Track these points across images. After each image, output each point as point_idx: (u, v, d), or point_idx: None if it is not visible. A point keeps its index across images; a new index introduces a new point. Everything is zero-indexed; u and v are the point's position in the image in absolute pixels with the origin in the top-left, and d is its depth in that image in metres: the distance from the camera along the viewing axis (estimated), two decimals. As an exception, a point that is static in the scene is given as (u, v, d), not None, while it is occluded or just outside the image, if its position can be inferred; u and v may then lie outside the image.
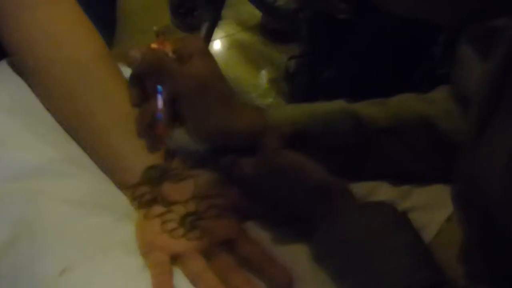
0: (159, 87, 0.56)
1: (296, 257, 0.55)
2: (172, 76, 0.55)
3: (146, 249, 0.54)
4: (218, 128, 0.58)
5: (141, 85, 0.57)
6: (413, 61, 1.24)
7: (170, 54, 0.56)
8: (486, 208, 0.44)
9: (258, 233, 0.56)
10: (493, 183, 0.42)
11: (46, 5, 0.63)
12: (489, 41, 0.50)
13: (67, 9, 0.65)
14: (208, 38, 1.88)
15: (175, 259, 0.53)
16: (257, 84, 1.88)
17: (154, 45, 0.56)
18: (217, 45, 2.04)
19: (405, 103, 0.64)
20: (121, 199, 0.59)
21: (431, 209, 0.61)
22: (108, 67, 0.63)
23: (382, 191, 0.62)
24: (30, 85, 0.65)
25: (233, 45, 2.06)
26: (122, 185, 0.60)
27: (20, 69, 0.65)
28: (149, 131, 0.57)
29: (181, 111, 0.57)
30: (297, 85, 1.69)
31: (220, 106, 0.57)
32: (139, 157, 0.59)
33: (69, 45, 0.63)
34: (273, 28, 1.99)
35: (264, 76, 1.89)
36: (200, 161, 0.63)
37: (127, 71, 0.61)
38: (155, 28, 0.57)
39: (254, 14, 2.03)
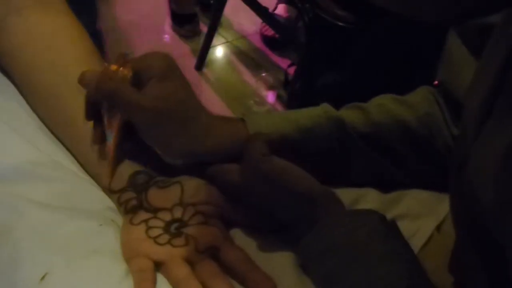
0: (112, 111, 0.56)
1: (281, 264, 0.54)
2: (126, 106, 0.54)
3: (130, 255, 0.53)
4: (184, 152, 0.57)
5: (96, 102, 0.57)
6: (411, 67, 1.23)
7: (129, 77, 0.54)
8: (478, 213, 0.43)
9: (243, 240, 0.56)
10: (486, 185, 0.41)
11: (34, 8, 0.63)
12: (482, 39, 0.49)
13: (55, 12, 0.64)
14: (207, 45, 1.89)
15: (159, 265, 0.53)
16: (256, 91, 1.88)
17: (113, 67, 0.54)
18: (216, 51, 2.05)
19: (385, 108, 0.63)
20: (107, 204, 0.59)
21: (421, 217, 0.60)
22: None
23: (370, 198, 0.61)
24: (17, 87, 0.64)
25: (233, 52, 2.06)
26: (108, 191, 0.59)
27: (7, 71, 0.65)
28: (99, 146, 0.57)
29: (142, 137, 0.57)
30: (296, 92, 1.69)
31: (182, 131, 0.55)
32: (124, 163, 0.58)
33: (55, 49, 0.62)
34: (273, 35, 1.99)
35: (262, 83, 1.89)
36: (185, 170, 0.62)
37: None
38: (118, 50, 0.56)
39: (254, 21, 2.04)
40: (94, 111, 0.57)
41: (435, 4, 0.35)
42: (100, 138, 0.58)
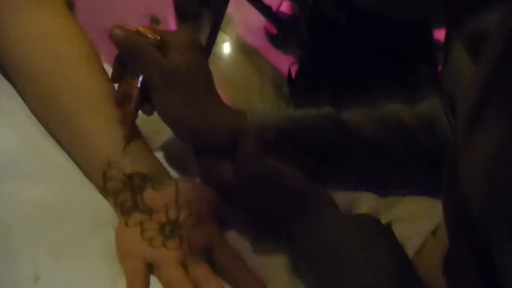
0: (136, 70, 0.57)
1: (274, 267, 0.54)
2: (146, 63, 0.55)
3: (124, 257, 0.53)
4: (187, 126, 0.57)
5: (123, 63, 0.58)
6: (410, 66, 1.23)
7: (155, 41, 0.56)
8: (469, 217, 0.43)
9: (237, 241, 0.56)
10: (475, 188, 0.41)
11: (32, 8, 0.63)
12: (481, 41, 0.49)
13: (51, 12, 0.64)
14: (212, 41, 1.88)
15: (153, 267, 0.53)
16: (259, 88, 1.88)
17: (141, 28, 0.56)
18: (220, 48, 2.04)
19: (391, 114, 0.63)
20: (103, 205, 0.59)
21: (416, 221, 0.60)
22: (92, 70, 0.62)
23: (366, 201, 0.61)
24: (12, 84, 0.64)
25: (237, 48, 2.06)
26: (104, 191, 0.59)
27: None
28: (120, 107, 0.59)
29: (152, 100, 0.57)
30: (298, 90, 1.68)
31: (191, 104, 0.56)
32: (122, 163, 0.58)
33: (51, 48, 0.62)
34: (277, 32, 1.98)
35: (267, 80, 1.88)
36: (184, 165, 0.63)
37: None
38: (150, 14, 0.58)
39: (258, 18, 2.03)
40: (119, 74, 0.59)
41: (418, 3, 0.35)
42: (121, 99, 0.59)
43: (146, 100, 0.58)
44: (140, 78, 0.57)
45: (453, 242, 0.52)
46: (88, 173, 0.60)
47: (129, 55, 0.56)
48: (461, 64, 0.60)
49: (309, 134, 0.60)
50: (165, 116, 0.57)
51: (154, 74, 0.55)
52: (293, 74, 1.77)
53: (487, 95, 0.43)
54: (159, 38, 0.56)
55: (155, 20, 0.59)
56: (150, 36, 0.56)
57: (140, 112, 0.60)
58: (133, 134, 0.59)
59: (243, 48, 2.06)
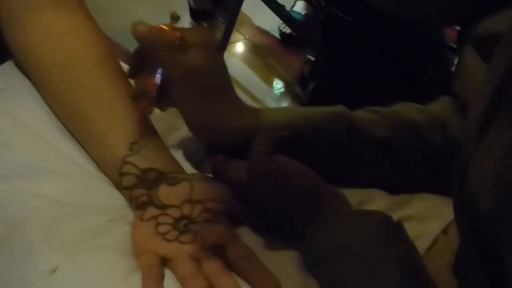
0: (155, 67, 0.58)
1: (287, 263, 0.55)
2: (167, 60, 0.56)
3: (139, 250, 0.54)
4: (202, 122, 0.58)
5: (142, 59, 0.60)
6: (418, 68, 1.23)
7: (176, 38, 0.57)
8: (478, 218, 0.44)
9: (250, 238, 0.56)
10: (484, 190, 0.42)
11: (51, 8, 0.64)
12: (492, 44, 0.49)
13: (69, 13, 0.65)
14: (225, 41, 1.89)
15: (167, 261, 0.54)
16: (273, 87, 1.88)
17: (164, 26, 0.57)
18: (234, 47, 2.05)
19: (403, 115, 0.63)
20: (118, 201, 0.60)
21: (428, 219, 0.60)
22: (107, 71, 0.63)
23: (377, 199, 0.62)
24: (32, 83, 0.66)
25: (251, 48, 2.06)
26: (120, 187, 0.60)
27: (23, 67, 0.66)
28: (137, 101, 0.60)
29: (170, 97, 0.58)
30: (312, 89, 1.69)
31: (207, 101, 0.57)
32: (136, 159, 0.59)
33: (67, 50, 0.63)
34: (290, 32, 1.99)
35: (279, 79, 1.89)
36: (198, 164, 0.63)
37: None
38: (170, 11, 0.58)
39: (273, 17, 2.04)
40: (137, 70, 0.60)
41: (417, 3, 0.36)
42: (138, 95, 0.60)
43: (163, 96, 0.59)
44: (159, 75, 0.58)
45: (463, 242, 0.52)
46: (103, 169, 0.62)
47: (151, 51, 0.58)
48: (472, 66, 0.60)
49: (320, 133, 0.60)
50: (182, 112, 0.59)
51: (174, 70, 0.56)
52: (306, 73, 1.78)
53: (499, 98, 0.43)
54: (179, 35, 0.57)
55: (174, 17, 0.60)
56: (171, 33, 0.57)
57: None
58: (147, 131, 0.60)
59: (256, 48, 2.06)
